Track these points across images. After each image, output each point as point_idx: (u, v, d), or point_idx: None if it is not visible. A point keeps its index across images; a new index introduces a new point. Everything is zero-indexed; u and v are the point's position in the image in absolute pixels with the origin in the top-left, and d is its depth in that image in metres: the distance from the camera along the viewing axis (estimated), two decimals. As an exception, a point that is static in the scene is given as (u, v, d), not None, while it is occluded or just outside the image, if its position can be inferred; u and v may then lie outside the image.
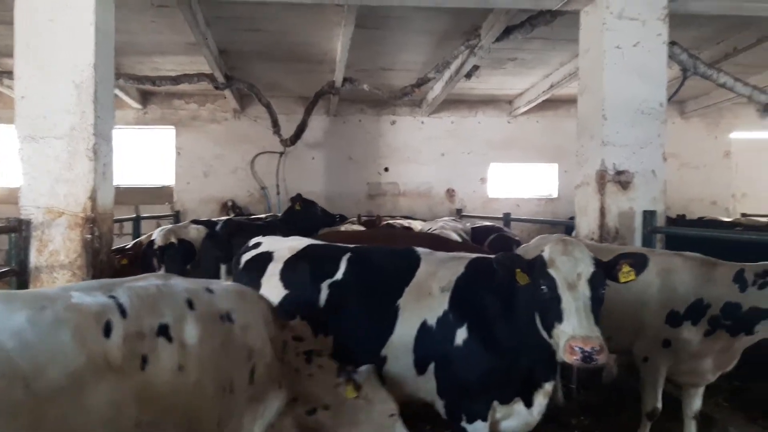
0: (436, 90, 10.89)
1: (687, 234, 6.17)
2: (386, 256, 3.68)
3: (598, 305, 2.80)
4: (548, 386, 3.13)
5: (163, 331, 2.25)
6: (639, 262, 3.00)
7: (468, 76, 9.25)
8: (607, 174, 5.62)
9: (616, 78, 5.54)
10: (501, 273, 2.99)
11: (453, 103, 12.96)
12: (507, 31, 7.28)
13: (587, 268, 2.82)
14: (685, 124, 13.64)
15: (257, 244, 4.01)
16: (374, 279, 3.50)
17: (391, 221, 9.61)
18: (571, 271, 2.81)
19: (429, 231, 7.88)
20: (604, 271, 2.90)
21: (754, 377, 5.16)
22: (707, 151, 13.81)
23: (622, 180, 5.63)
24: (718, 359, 4.08)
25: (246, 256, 3.94)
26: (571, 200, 6.50)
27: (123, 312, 2.16)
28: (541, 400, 3.15)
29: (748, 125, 13.41)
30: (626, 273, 2.98)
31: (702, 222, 10.16)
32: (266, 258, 3.81)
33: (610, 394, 5.33)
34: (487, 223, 10.09)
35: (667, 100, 5.83)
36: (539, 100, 11.79)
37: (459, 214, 12.54)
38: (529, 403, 3.13)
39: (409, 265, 3.49)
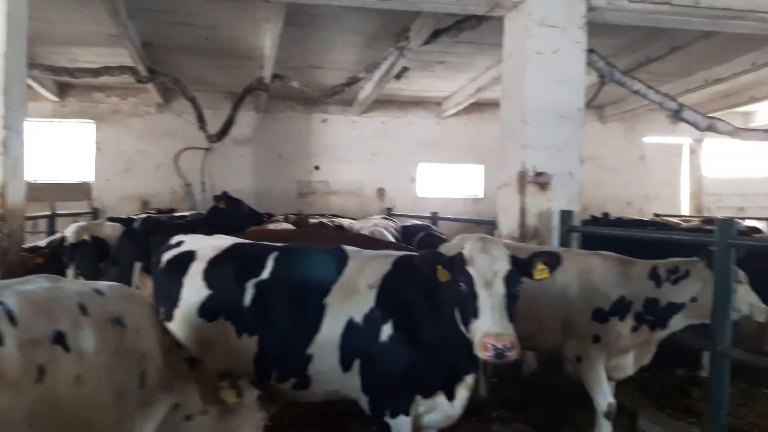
0: (367, 90, 10.95)
1: (600, 233, 6.49)
2: (314, 255, 3.67)
3: (512, 302, 2.88)
4: (470, 379, 3.22)
5: (60, 338, 2.11)
6: (552, 260, 3.12)
7: (398, 77, 9.38)
8: (527, 175, 5.83)
9: (537, 83, 5.76)
10: (423, 269, 3.04)
11: (384, 103, 13.08)
12: (435, 34, 7.43)
13: (503, 266, 2.89)
14: (604, 129, 14.30)
15: (179, 243, 3.91)
16: (301, 277, 3.48)
17: (324, 220, 9.59)
18: (488, 268, 2.88)
19: (365, 229, 7.93)
20: (520, 269, 2.98)
21: (660, 367, 5.46)
22: (624, 154, 14.55)
23: (542, 181, 5.85)
24: (638, 353, 4.33)
25: (167, 255, 3.83)
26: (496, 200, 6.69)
27: (12, 319, 2.01)
28: (463, 393, 3.23)
29: (661, 131, 14.23)
30: (540, 270, 3.09)
31: (622, 221, 10.64)
32: (189, 257, 3.72)
33: (529, 387, 5.53)
34: (417, 222, 10.25)
35: (585, 105, 6.11)
36: (467, 103, 12.09)
37: (389, 212, 12.66)
38: (451, 396, 3.21)
39: (337, 263, 3.49)
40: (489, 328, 2.75)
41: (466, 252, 2.96)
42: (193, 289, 3.53)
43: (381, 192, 13.70)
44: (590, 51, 6.26)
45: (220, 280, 3.54)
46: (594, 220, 9.90)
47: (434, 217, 10.50)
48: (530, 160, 5.84)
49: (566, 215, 5.84)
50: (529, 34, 5.70)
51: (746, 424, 4.76)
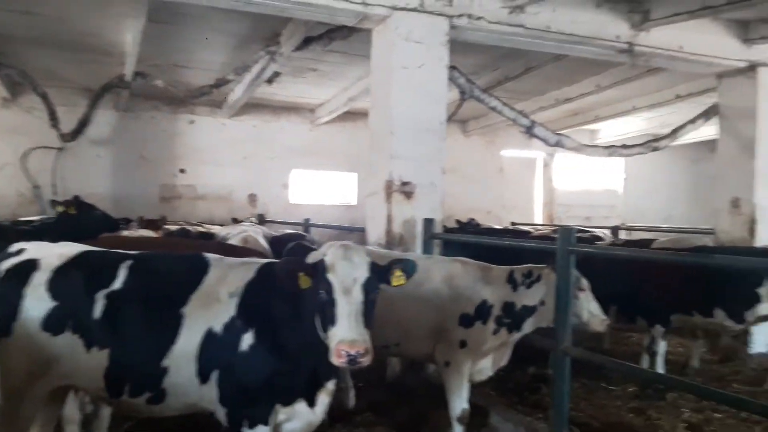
0: (237, 92, 10.72)
1: (459, 240, 6.85)
2: (172, 263, 3.53)
3: (370, 309, 2.96)
4: (330, 385, 3.26)
5: None
6: (409, 267, 3.25)
7: (269, 81, 9.28)
8: (393, 185, 6.02)
9: (402, 96, 5.97)
10: (283, 276, 3.05)
11: (256, 106, 12.86)
12: (306, 41, 7.45)
13: (363, 274, 2.96)
14: (467, 142, 15.09)
15: (20, 251, 3.60)
16: (157, 287, 3.33)
17: (188, 227, 9.21)
18: (348, 276, 2.94)
19: (233, 236, 7.71)
20: (379, 276, 3.07)
21: (513, 366, 5.84)
22: (485, 166, 15.42)
23: (407, 191, 6.06)
24: (497, 356, 4.59)
25: (5, 264, 3.51)
26: (369, 208, 6.80)
27: None
28: (324, 399, 3.25)
29: (518, 145, 15.24)
30: (398, 277, 3.22)
31: (481, 229, 11.25)
32: (31, 266, 3.42)
33: (393, 390, 5.68)
34: (289, 230, 10.17)
35: (447, 119, 6.41)
36: (339, 111, 12.23)
37: (261, 218, 12.43)
38: (312, 403, 3.22)
39: (196, 272, 3.38)
40: (344, 335, 2.81)
41: (327, 259, 3.00)
42: (36, 301, 3.26)
43: (252, 197, 13.44)
44: (452, 68, 6.59)
45: (66, 290, 3.30)
46: (460, 226, 10.44)
47: (306, 224, 10.48)
48: (397, 170, 6.03)
49: (428, 223, 6.09)
50: (395, 49, 5.90)
51: (587, 416, 5.22)
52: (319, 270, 2.98)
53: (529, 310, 4.40)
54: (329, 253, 3.04)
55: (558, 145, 7.83)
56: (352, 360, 2.76)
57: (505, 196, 15.78)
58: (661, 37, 7.05)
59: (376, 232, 6.31)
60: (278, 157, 13.49)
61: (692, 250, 6.41)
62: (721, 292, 5.77)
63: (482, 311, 4.41)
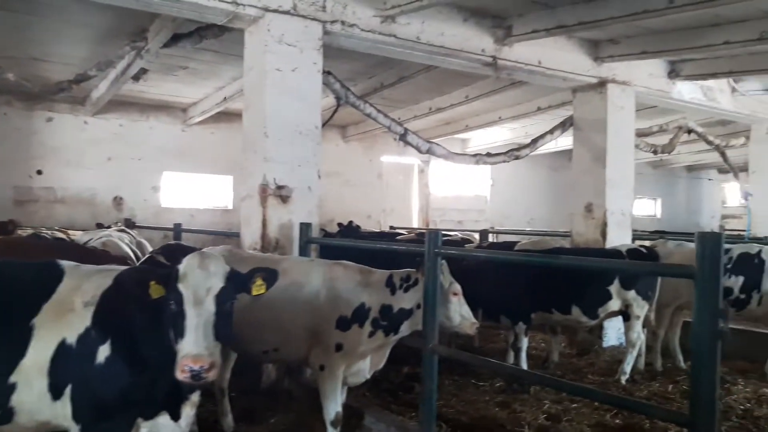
0: (101, 89, 10.06)
1: (335, 244, 6.91)
2: (20, 270, 3.27)
3: (223, 320, 2.87)
4: (195, 397, 3.15)
5: None
6: (270, 276, 3.20)
7: (136, 78, 8.81)
8: (268, 188, 5.93)
9: (276, 98, 5.90)
10: (132, 285, 2.95)
11: (122, 104, 12.14)
12: (175, 38, 7.16)
13: (217, 283, 2.87)
14: (347, 147, 15.24)
15: None
16: (3, 296, 3.07)
17: (44, 231, 8.48)
18: (200, 285, 2.84)
19: (94, 241, 7.21)
20: (240, 285, 3.01)
21: (389, 366, 5.95)
22: (364, 172, 15.65)
23: (283, 194, 6.00)
24: (374, 358, 4.63)
25: None
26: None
27: None
28: (188, 412, 3.15)
29: (395, 151, 15.60)
30: (259, 286, 3.16)
31: (369, 234, 11.38)
32: None
33: (268, 397, 5.61)
34: (158, 234, 9.71)
35: (323, 124, 6.44)
36: (213, 112, 11.86)
37: (128, 223, 11.73)
38: (176, 416, 3.10)
39: (49, 280, 3.15)
40: (188, 349, 2.73)
41: (180, 268, 2.90)
42: None
43: (118, 201, 12.66)
44: (327, 73, 6.65)
45: None
46: (340, 229, 10.53)
47: (177, 229, 10.04)
48: (271, 173, 5.95)
49: (305, 227, 6.07)
50: (268, 50, 5.83)
51: (456, 412, 5.43)
52: (171, 279, 2.87)
53: (405, 313, 4.46)
54: (184, 261, 2.94)
55: (429, 152, 8.12)
56: (195, 375, 2.68)
57: (384, 201, 16.11)
58: (522, 52, 7.54)
59: (251, 237, 6.19)
60: (147, 158, 12.80)
61: (548, 251, 6.91)
62: (576, 291, 6.26)
63: (359, 314, 4.43)
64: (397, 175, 16.48)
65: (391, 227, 14.53)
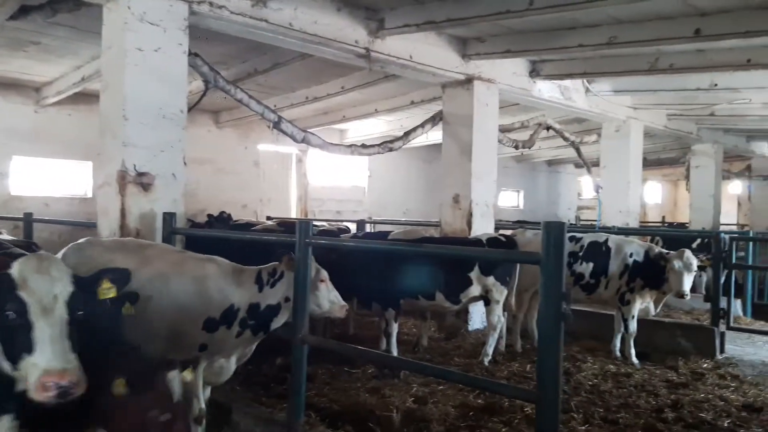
0: (-66, 62, 8.96)
1: (201, 234, 6.66)
2: None
3: (77, 328, 2.60)
4: (6, 421, 2.82)
5: None
6: (120, 278, 2.95)
7: (-23, 52, 7.92)
8: (128, 175, 5.59)
9: (137, 79, 5.55)
10: None
11: (-37, 81, 10.87)
12: (24, 10, 6.50)
13: (65, 288, 2.61)
14: (221, 133, 14.71)
15: None
16: None
17: None
18: (46, 292, 2.55)
19: None
20: (83, 288, 2.74)
21: (261, 358, 5.85)
22: (240, 160, 15.19)
23: (144, 182, 5.68)
24: (240, 356, 4.50)
25: None
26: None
27: None
28: None
29: (272, 139, 15.28)
30: (106, 290, 2.88)
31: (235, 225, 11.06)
32: None
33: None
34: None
35: (189, 108, 6.16)
36: (70, 92, 10.91)
37: (-32, 213, 10.57)
38: None
39: None
40: (49, 364, 2.41)
41: (15, 273, 2.57)
42: None
43: (-43, 188, 11.35)
44: (194, 55, 6.36)
45: None
46: (209, 220, 10.16)
47: (28, 219, 9.17)
48: (131, 159, 5.61)
49: (169, 217, 5.77)
50: (129, 29, 5.46)
51: (328, 400, 5.46)
52: (3, 286, 2.52)
53: (273, 309, 4.34)
54: (16, 265, 2.60)
55: (305, 141, 8.05)
56: (63, 392, 2.38)
57: (261, 190, 15.76)
58: (394, 45, 7.67)
59: (109, 228, 5.81)
60: (-6, 142, 11.58)
61: (416, 240, 7.13)
62: (440, 278, 6.52)
63: (228, 315, 4.22)
64: (275, 164, 16.18)
65: (268, 217, 14.27)
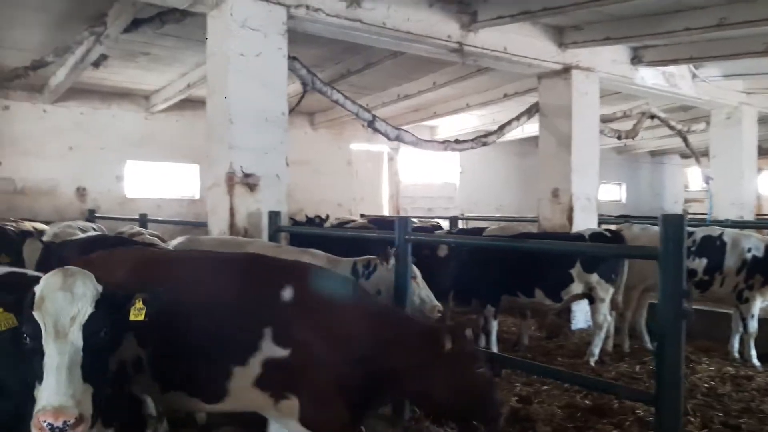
0: (59, 76, 9.75)
1: (306, 232, 6.85)
2: None
3: (96, 357, 2.32)
4: None
5: None
6: (154, 299, 2.57)
7: (96, 65, 8.57)
8: (235, 176, 5.84)
9: (240, 84, 5.79)
10: None
11: (83, 92, 11.78)
12: (136, 23, 6.98)
13: (84, 309, 2.31)
14: (315, 135, 15.09)
15: None
16: None
17: (10, 224, 8.21)
18: (62, 313, 2.27)
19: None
20: (113, 309, 2.43)
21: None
22: (334, 160, 15.53)
23: (250, 182, 5.92)
24: None
25: None
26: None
27: None
28: None
29: (364, 138, 15.54)
30: (138, 311, 2.53)
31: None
32: None
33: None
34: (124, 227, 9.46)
35: (290, 110, 6.35)
36: (177, 99, 11.61)
37: (92, 215, 11.45)
38: None
39: None
40: (47, 400, 2.15)
41: (37, 290, 2.31)
42: None
43: (81, 192, 12.33)
44: (293, 58, 6.54)
45: None
46: (308, 220, 10.47)
47: (143, 220, 9.84)
48: (238, 161, 5.86)
49: (274, 216, 6.01)
50: (231, 35, 5.71)
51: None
52: (25, 305, 2.29)
53: None
54: (42, 281, 2.35)
55: (398, 139, 8.09)
56: None
57: (354, 189, 16.03)
58: (487, 38, 7.54)
59: (218, 227, 6.10)
60: (110, 147, 12.48)
61: (515, 236, 6.98)
62: (540, 274, 6.34)
63: None
64: (367, 163, 16.41)
65: (362, 215, 14.48)
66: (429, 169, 17.29)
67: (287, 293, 2.99)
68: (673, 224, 2.81)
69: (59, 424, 2.10)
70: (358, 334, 3.00)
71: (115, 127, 12.53)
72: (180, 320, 2.91)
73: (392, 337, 3.05)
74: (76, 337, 2.26)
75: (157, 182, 13.39)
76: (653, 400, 2.86)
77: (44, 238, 6.33)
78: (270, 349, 2.89)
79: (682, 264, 2.75)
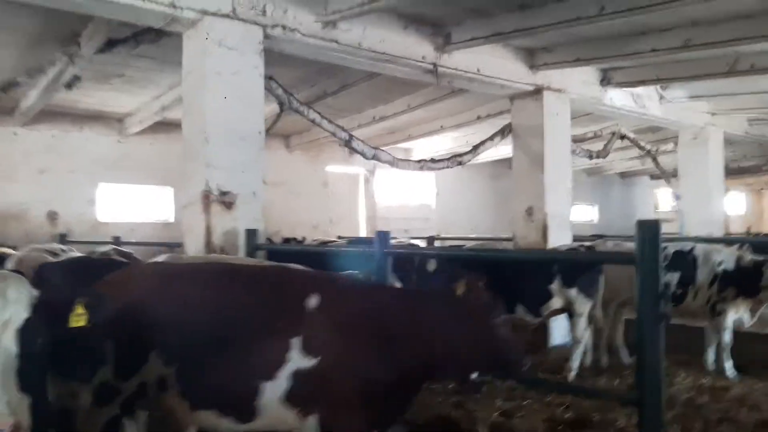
0: (31, 98, 9.62)
1: (283, 249, 6.81)
2: None
3: (33, 364, 2.24)
4: None
5: None
6: (98, 302, 2.48)
7: (69, 86, 8.48)
8: (211, 194, 5.79)
9: (216, 103, 5.77)
10: None
11: (54, 114, 11.63)
12: (110, 44, 6.94)
13: (19, 314, 2.24)
14: (290, 156, 15.10)
15: None
16: None
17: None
18: None
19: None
20: (49, 315, 2.35)
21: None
22: (309, 181, 15.53)
23: (226, 201, 5.88)
24: None
25: None
26: (187, 223, 6.44)
27: None
28: None
29: (340, 160, 15.60)
30: (78, 316, 2.43)
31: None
32: None
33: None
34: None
35: (267, 130, 6.35)
36: (151, 121, 11.53)
37: (63, 239, 11.21)
38: None
39: None
40: None
41: None
42: None
43: (53, 216, 12.10)
44: (269, 78, 6.57)
45: None
46: (285, 242, 10.44)
47: (116, 243, 9.66)
48: (214, 179, 5.82)
49: (251, 233, 5.96)
50: (208, 53, 5.70)
51: (411, 414, 5.42)
52: None
53: None
54: None
55: (375, 158, 8.14)
56: None
57: (331, 211, 16.01)
58: (461, 59, 7.67)
59: (195, 246, 6.01)
60: (82, 170, 12.30)
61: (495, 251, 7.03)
62: (520, 290, 6.39)
63: None
64: (343, 185, 16.44)
65: (339, 237, 14.45)
66: (405, 191, 17.39)
67: (313, 301, 3.00)
68: (649, 229, 2.87)
69: None
70: (387, 326, 3.01)
71: (87, 150, 12.38)
72: (206, 334, 2.91)
73: (419, 316, 3.07)
74: (10, 343, 2.17)
75: (131, 206, 13.21)
76: (636, 400, 2.88)
77: (9, 265, 6.13)
78: (298, 360, 2.88)
79: (658, 267, 2.81)
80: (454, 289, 3.08)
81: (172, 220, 13.37)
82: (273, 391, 2.90)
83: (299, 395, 2.88)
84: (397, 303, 3.22)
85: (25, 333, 2.21)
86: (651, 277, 2.80)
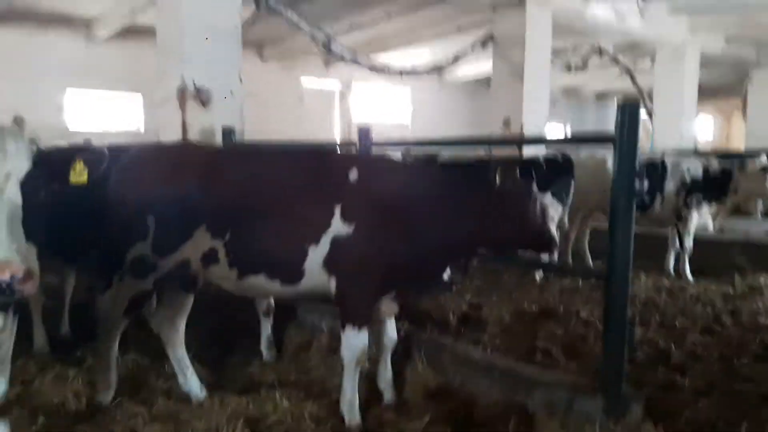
0: (-9, -4, 9.14)
1: (265, 148, 6.75)
2: None
3: (35, 214, 2.29)
4: None
5: None
6: (95, 158, 2.60)
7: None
8: (187, 90, 5.70)
9: (193, -5, 5.58)
10: None
11: (17, 16, 11.04)
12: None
13: (20, 166, 2.25)
14: (265, 67, 14.67)
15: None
16: None
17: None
18: None
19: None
20: (51, 170, 2.45)
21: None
22: (284, 94, 15.19)
23: (202, 98, 5.79)
24: None
25: None
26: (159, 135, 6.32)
27: None
28: None
29: (316, 72, 15.25)
30: (79, 172, 2.55)
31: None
32: None
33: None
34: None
35: (240, 23, 6.17)
36: (120, 25, 11.08)
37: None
38: None
39: None
40: None
41: None
42: None
43: (18, 122, 11.69)
44: (246, -27, 6.33)
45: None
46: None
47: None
48: (189, 74, 5.71)
49: (228, 132, 5.91)
50: (185, -56, 5.47)
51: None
52: None
53: None
54: None
55: (354, 61, 8.01)
56: (5, 289, 2.03)
57: (305, 125, 15.79)
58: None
59: (170, 143, 5.96)
60: (49, 75, 11.83)
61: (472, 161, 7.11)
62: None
63: None
64: (319, 100, 16.17)
65: (314, 150, 14.37)
66: (381, 110, 17.20)
67: (353, 174, 3.19)
68: (629, 111, 2.95)
69: (6, 278, 2.01)
70: (421, 203, 3.14)
71: (54, 55, 11.85)
72: (259, 206, 3.13)
73: (453, 192, 3.22)
74: (14, 193, 2.18)
75: (100, 115, 12.87)
76: (604, 276, 3.05)
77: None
78: (338, 226, 3.06)
79: (635, 147, 2.92)
80: (492, 175, 3.19)
81: (142, 130, 13.08)
82: (316, 254, 3.10)
83: (333, 260, 3.08)
84: (432, 180, 3.37)
85: (27, 185, 2.24)
86: (629, 155, 2.92)
